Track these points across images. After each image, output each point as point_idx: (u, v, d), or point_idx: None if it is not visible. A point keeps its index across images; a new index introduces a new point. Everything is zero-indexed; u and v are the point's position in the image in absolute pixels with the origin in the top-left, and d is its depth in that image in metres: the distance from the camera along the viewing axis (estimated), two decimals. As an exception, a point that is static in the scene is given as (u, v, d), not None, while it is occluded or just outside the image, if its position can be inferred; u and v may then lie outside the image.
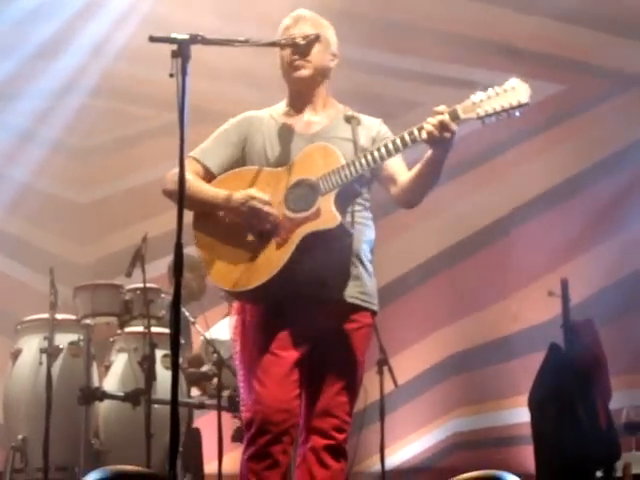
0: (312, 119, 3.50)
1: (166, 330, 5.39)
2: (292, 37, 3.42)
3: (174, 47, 2.97)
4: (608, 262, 7.18)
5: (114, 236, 7.37)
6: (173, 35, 2.99)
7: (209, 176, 3.45)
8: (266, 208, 3.29)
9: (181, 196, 2.95)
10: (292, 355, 3.33)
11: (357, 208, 3.39)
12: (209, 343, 5.30)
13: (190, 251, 3.04)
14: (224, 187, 3.39)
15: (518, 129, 6.82)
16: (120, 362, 5.48)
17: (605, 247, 7.23)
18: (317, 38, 3.43)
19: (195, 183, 3.38)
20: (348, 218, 3.34)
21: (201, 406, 5.43)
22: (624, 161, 7.28)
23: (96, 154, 7.67)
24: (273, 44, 3.39)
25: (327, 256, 3.28)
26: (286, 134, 3.45)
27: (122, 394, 5.19)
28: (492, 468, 3.94)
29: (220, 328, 5.49)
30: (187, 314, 5.53)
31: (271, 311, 3.35)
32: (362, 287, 3.41)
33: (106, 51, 7.28)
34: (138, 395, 5.09)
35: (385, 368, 5.08)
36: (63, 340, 5.36)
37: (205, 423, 5.64)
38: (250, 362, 3.37)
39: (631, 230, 7.13)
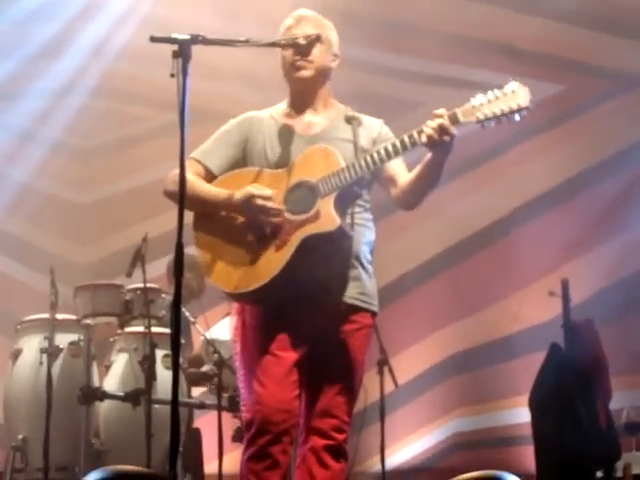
0: (313, 120, 3.50)
1: (166, 330, 5.39)
2: (294, 37, 3.41)
3: (175, 47, 2.97)
4: (608, 262, 7.18)
5: (114, 236, 7.37)
6: (174, 35, 2.99)
7: (210, 177, 3.45)
8: (269, 204, 3.29)
9: (181, 196, 2.95)
10: (292, 356, 3.33)
11: (357, 210, 3.39)
12: (209, 343, 5.30)
13: (189, 250, 3.04)
14: (225, 188, 3.39)
15: (518, 129, 6.79)
16: (120, 362, 5.48)
17: (606, 247, 7.23)
18: (318, 38, 3.42)
19: (196, 183, 3.38)
20: (348, 220, 3.34)
21: (201, 406, 5.43)
22: (625, 162, 7.28)
23: (96, 154, 7.67)
24: (274, 44, 3.39)
25: (327, 258, 3.29)
26: (286, 135, 3.45)
27: (122, 394, 5.19)
28: (492, 468, 3.94)
29: (220, 328, 5.50)
30: (187, 314, 5.53)
31: (271, 312, 3.35)
32: (362, 288, 3.42)
33: (107, 51, 7.29)
34: (138, 395, 5.09)
35: (385, 368, 5.08)
36: (63, 340, 5.36)
37: (205, 423, 5.64)
38: (250, 363, 3.37)
39: (632, 230, 7.13)
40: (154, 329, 5.23)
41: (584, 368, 5.49)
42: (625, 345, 6.70)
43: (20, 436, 5.25)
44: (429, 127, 3.16)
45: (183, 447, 5.18)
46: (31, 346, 5.38)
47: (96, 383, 5.38)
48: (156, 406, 5.02)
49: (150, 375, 5.06)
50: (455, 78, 7.24)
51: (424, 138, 3.17)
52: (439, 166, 3.29)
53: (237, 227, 3.35)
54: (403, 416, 7.05)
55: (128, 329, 5.58)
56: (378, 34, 7.17)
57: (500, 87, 3.15)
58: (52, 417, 4.95)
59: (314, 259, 3.26)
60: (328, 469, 3.38)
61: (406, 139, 3.22)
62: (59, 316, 5.30)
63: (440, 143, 3.17)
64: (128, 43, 7.11)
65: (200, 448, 5.54)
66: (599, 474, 5.42)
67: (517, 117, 3.13)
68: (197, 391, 5.82)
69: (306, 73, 3.44)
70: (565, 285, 5.63)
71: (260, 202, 3.29)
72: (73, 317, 5.53)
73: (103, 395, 5.20)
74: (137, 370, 5.26)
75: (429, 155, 3.28)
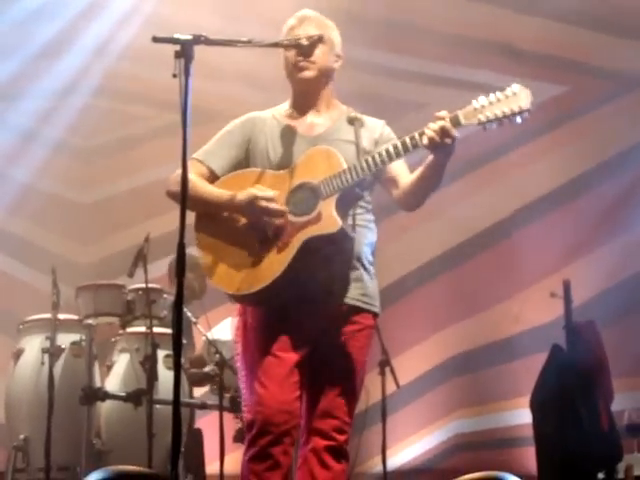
0: (315, 121, 3.50)
1: (168, 330, 5.38)
2: (296, 38, 3.41)
3: (177, 47, 2.97)
4: (610, 264, 7.17)
5: (116, 236, 7.38)
6: (176, 35, 2.99)
7: (213, 178, 3.45)
8: (272, 205, 3.29)
9: (184, 196, 2.95)
10: (293, 357, 3.33)
11: (359, 211, 3.40)
12: (211, 343, 5.30)
13: (191, 251, 3.04)
14: (227, 189, 3.38)
15: (520, 130, 6.75)
16: (122, 362, 5.48)
17: (607, 249, 7.22)
18: (321, 39, 3.42)
19: (198, 184, 3.37)
20: (349, 221, 3.34)
21: (203, 406, 5.43)
22: (627, 163, 7.27)
23: (99, 154, 7.67)
24: (276, 45, 3.39)
25: (328, 259, 3.29)
26: (289, 136, 3.45)
27: (124, 394, 5.19)
28: (494, 469, 3.94)
29: (222, 328, 5.50)
30: (189, 314, 5.53)
31: (272, 313, 3.35)
32: (363, 289, 3.42)
33: (109, 51, 7.29)
34: (140, 395, 5.09)
35: (387, 369, 5.08)
36: (65, 340, 5.37)
37: (207, 424, 5.64)
38: (251, 364, 3.37)
39: (634, 232, 7.12)
40: (156, 329, 5.23)
41: (586, 369, 5.49)
42: (627, 346, 6.70)
43: (22, 436, 5.26)
44: (430, 129, 3.16)
45: (184, 447, 5.18)
46: (33, 346, 5.38)
47: (98, 383, 5.39)
48: (157, 406, 5.03)
49: (152, 375, 5.07)
50: (457, 79, 7.23)
51: (425, 140, 3.17)
52: (441, 168, 3.29)
53: (239, 228, 3.35)
54: (404, 417, 7.05)
55: (130, 329, 5.58)
56: (380, 35, 7.16)
57: (502, 89, 3.15)
58: (54, 417, 4.96)
59: (316, 261, 3.26)
60: (329, 470, 3.38)
61: (407, 141, 3.22)
62: (61, 316, 5.31)
63: (441, 145, 3.17)
64: (130, 43, 7.11)
65: (201, 448, 5.54)
66: (600, 476, 5.42)
67: (518, 119, 3.14)
68: (199, 391, 5.82)
69: (309, 74, 3.44)
70: (567, 286, 5.63)
71: (264, 204, 3.29)
72: (75, 317, 5.53)
73: (105, 395, 5.20)
74: (139, 370, 5.26)
75: (430, 157, 3.27)
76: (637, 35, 7.28)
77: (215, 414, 5.16)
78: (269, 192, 3.30)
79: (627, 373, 6.50)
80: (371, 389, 4.41)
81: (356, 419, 3.53)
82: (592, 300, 6.86)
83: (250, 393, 3.36)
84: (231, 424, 5.23)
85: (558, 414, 5.41)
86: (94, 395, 5.17)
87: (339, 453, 3.40)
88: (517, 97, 3.13)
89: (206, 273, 3.43)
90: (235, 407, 5.12)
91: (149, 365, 5.10)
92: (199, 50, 3.00)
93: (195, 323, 5.60)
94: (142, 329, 5.38)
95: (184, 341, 5.04)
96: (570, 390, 5.42)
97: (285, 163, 3.39)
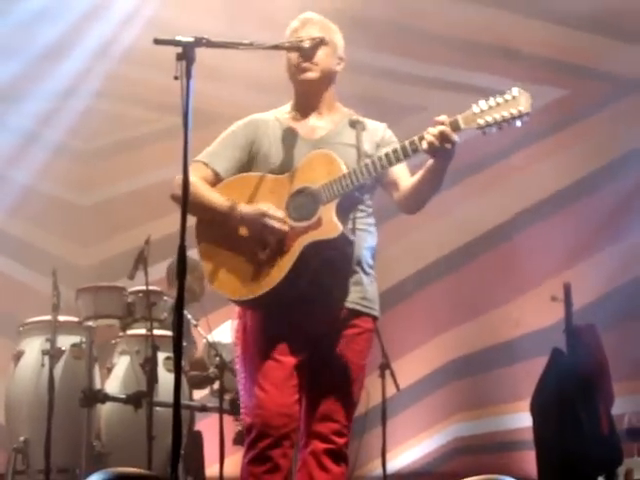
0: (317, 124, 3.50)
1: (168, 333, 5.39)
2: (299, 40, 3.42)
3: (179, 50, 2.97)
4: (610, 268, 7.17)
5: (117, 238, 7.38)
6: (178, 38, 2.98)
7: (217, 180, 3.44)
8: (282, 226, 3.28)
9: (184, 198, 2.95)
10: (292, 360, 3.33)
11: (359, 215, 3.40)
12: (211, 346, 5.30)
13: (190, 253, 3.03)
14: (228, 193, 3.38)
15: (521, 134, 6.77)
16: (122, 364, 5.48)
17: (608, 253, 7.22)
18: (323, 41, 3.42)
19: (200, 189, 3.36)
20: (349, 225, 3.34)
21: (203, 409, 5.43)
22: (627, 167, 7.27)
23: (99, 156, 7.68)
24: (277, 47, 3.39)
25: (328, 264, 3.29)
26: (290, 138, 3.45)
27: (124, 396, 5.19)
28: (493, 473, 3.95)
29: (222, 331, 5.50)
30: (189, 317, 5.53)
31: (272, 316, 3.35)
32: (363, 293, 3.42)
33: (110, 54, 7.29)
34: (140, 397, 5.09)
35: (387, 372, 5.08)
36: (65, 342, 5.37)
37: (207, 426, 5.64)
38: (251, 367, 3.37)
39: (635, 235, 7.12)
40: (156, 331, 5.23)
41: (586, 373, 5.49)
42: (627, 350, 6.69)
43: (21, 438, 5.26)
44: (430, 134, 3.16)
45: (184, 450, 5.18)
46: (33, 348, 5.38)
47: (98, 385, 5.39)
48: (157, 409, 5.03)
49: (152, 378, 5.07)
50: (459, 82, 7.24)
51: (425, 145, 3.17)
52: (441, 172, 3.29)
53: (240, 234, 3.35)
54: (404, 420, 7.05)
55: (130, 331, 5.59)
56: (382, 38, 7.17)
57: (502, 93, 3.15)
58: (54, 419, 4.96)
59: (316, 265, 3.27)
60: (328, 473, 3.38)
61: (407, 146, 3.22)
62: (61, 318, 5.31)
63: (441, 150, 3.17)
64: (132, 46, 7.11)
65: (201, 451, 5.54)
66: (600, 479, 5.42)
67: (518, 123, 3.13)
68: (199, 394, 5.82)
69: (311, 75, 3.44)
70: (567, 290, 5.63)
71: (271, 223, 3.27)
72: (75, 319, 5.53)
73: (105, 397, 5.20)
74: (139, 372, 5.26)
75: (431, 161, 3.27)
76: (638, 38, 7.28)
77: (215, 417, 5.16)
78: (279, 213, 3.29)
79: (627, 377, 6.50)
80: (371, 392, 4.41)
81: (356, 422, 3.53)
82: (593, 304, 6.86)
83: (249, 396, 3.36)
84: (231, 427, 5.23)
85: (558, 418, 5.41)
86: (94, 397, 5.17)
87: (338, 456, 3.40)
88: (517, 101, 3.12)
89: (207, 278, 3.42)
90: (235, 410, 5.11)
91: (149, 367, 5.11)
92: (201, 52, 3.00)
93: (195, 325, 5.60)
94: (142, 331, 5.38)
95: (184, 343, 5.04)
96: (570, 394, 5.42)
97: (286, 166, 3.39)
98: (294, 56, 3.44)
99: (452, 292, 7.45)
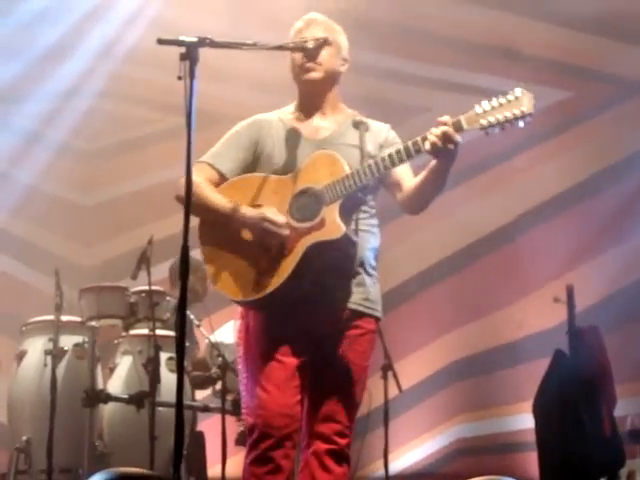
0: (320, 124, 3.50)
1: (171, 333, 5.39)
2: (303, 40, 3.42)
3: (182, 50, 2.97)
4: (613, 269, 7.16)
5: (120, 238, 7.39)
6: (181, 38, 2.98)
7: (223, 181, 3.44)
8: (282, 231, 3.28)
9: (188, 198, 2.95)
10: (295, 361, 3.33)
11: (362, 216, 3.40)
12: (214, 346, 5.30)
13: (193, 254, 3.03)
14: (231, 193, 3.38)
15: (524, 135, 6.78)
16: (125, 364, 5.49)
17: (611, 254, 7.22)
18: (327, 42, 3.42)
19: (204, 190, 3.37)
20: (352, 225, 3.33)
21: (205, 409, 5.43)
22: (630, 169, 7.27)
23: (102, 157, 7.69)
24: (281, 47, 3.39)
25: (331, 265, 3.28)
26: (294, 139, 3.45)
27: (126, 396, 5.19)
28: (496, 474, 3.94)
29: (225, 331, 5.50)
30: (192, 317, 5.53)
31: (274, 317, 3.35)
32: (365, 294, 3.42)
33: (113, 54, 7.29)
34: (142, 398, 5.09)
35: (390, 373, 5.08)
36: (68, 342, 5.37)
37: (209, 426, 5.64)
38: (253, 367, 3.37)
39: (638, 238, 7.12)
40: (159, 332, 5.23)
41: (588, 375, 5.49)
42: (630, 352, 6.69)
43: (24, 438, 5.26)
44: (433, 134, 3.16)
45: (187, 450, 5.19)
46: (36, 348, 5.39)
47: (100, 385, 5.39)
48: (160, 409, 5.03)
49: (154, 378, 5.07)
50: (463, 83, 7.23)
51: (428, 146, 3.17)
52: (444, 173, 3.28)
53: (242, 236, 3.35)
54: (406, 421, 7.05)
55: (133, 331, 5.59)
56: (386, 39, 7.16)
57: (504, 93, 3.14)
58: (56, 419, 4.96)
59: (319, 266, 3.26)
60: (330, 473, 3.38)
61: (410, 146, 3.21)
62: (64, 318, 5.31)
63: (444, 151, 3.17)
64: (135, 46, 7.12)
65: (203, 451, 5.55)
66: (602, 481, 5.43)
67: (521, 123, 3.12)
68: (201, 394, 5.82)
69: (315, 75, 3.44)
70: (570, 291, 5.63)
71: (272, 228, 3.27)
72: (78, 319, 5.54)
73: (107, 397, 5.20)
74: (141, 373, 5.26)
75: (434, 162, 3.27)
76: (641, 40, 7.29)
77: (217, 417, 5.16)
78: (280, 218, 3.29)
79: (630, 378, 6.49)
80: (373, 393, 4.40)
81: (358, 423, 3.52)
82: (595, 305, 6.85)
83: (251, 396, 3.36)
84: (233, 427, 5.22)
85: (561, 419, 5.41)
86: (96, 397, 5.17)
87: (340, 457, 3.40)
88: (520, 101, 3.12)
89: (210, 279, 3.42)
90: (237, 410, 5.11)
91: (152, 367, 5.11)
92: (204, 53, 3.00)
93: (198, 326, 5.60)
94: (145, 331, 5.38)
95: (187, 344, 5.05)
96: (573, 395, 5.41)
97: (289, 167, 3.39)
98: (298, 56, 3.44)
99: (455, 293, 7.45)
